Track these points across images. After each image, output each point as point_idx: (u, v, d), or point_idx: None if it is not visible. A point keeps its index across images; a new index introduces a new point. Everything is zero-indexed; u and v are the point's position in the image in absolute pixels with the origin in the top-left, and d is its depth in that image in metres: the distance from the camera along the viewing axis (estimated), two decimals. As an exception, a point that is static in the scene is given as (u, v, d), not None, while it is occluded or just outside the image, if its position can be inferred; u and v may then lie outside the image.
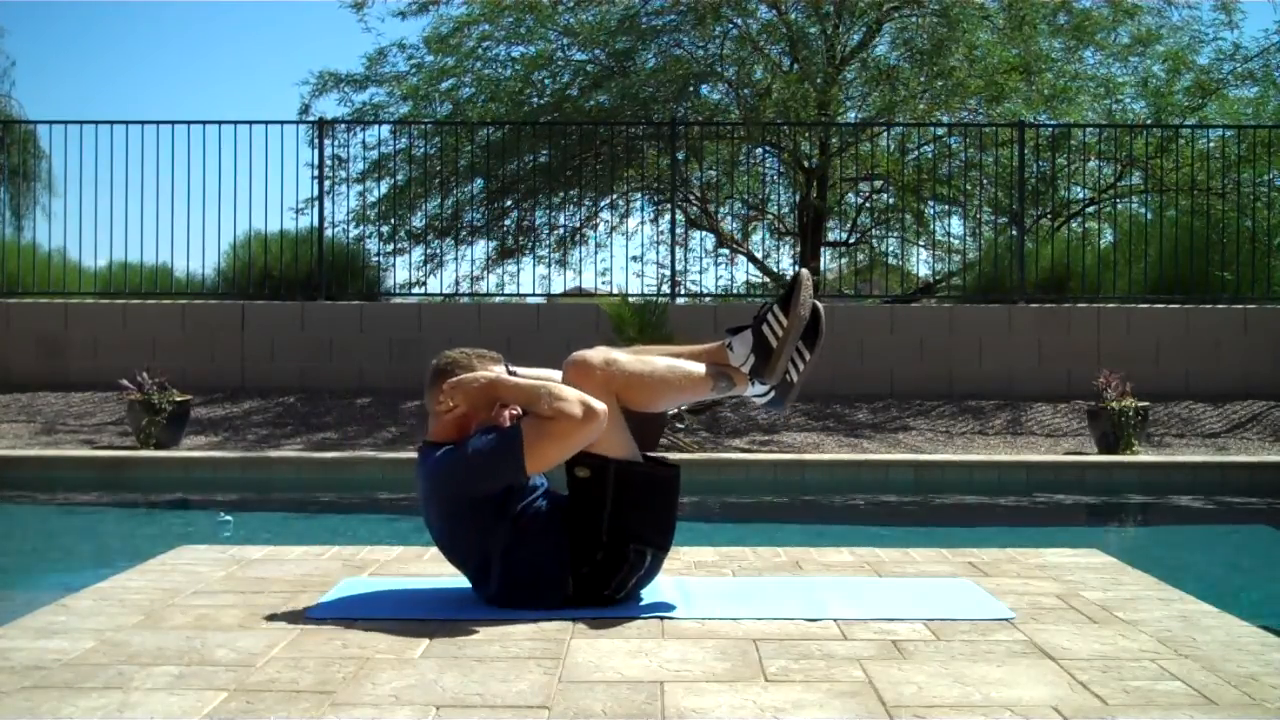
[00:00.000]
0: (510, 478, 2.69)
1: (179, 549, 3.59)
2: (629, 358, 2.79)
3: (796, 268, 12.57)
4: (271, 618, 2.70)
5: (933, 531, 6.10)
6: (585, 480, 2.74)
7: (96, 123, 10.08)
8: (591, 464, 2.73)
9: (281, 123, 10.16)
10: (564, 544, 2.74)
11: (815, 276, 11.88)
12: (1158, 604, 2.91)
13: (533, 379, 2.81)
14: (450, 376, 2.80)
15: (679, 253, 10.99)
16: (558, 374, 2.86)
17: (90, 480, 6.93)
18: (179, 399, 7.80)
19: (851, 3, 12.26)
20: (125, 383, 7.77)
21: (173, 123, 9.96)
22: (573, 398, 2.66)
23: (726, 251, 13.33)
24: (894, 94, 12.48)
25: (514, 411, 2.78)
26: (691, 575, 3.26)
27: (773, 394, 2.88)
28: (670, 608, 2.79)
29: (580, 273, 21.96)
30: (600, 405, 2.66)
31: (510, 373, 2.85)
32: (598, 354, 2.76)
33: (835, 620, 2.70)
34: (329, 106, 19.47)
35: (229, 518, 5.92)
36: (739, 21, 12.69)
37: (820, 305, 2.86)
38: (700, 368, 2.84)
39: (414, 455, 2.94)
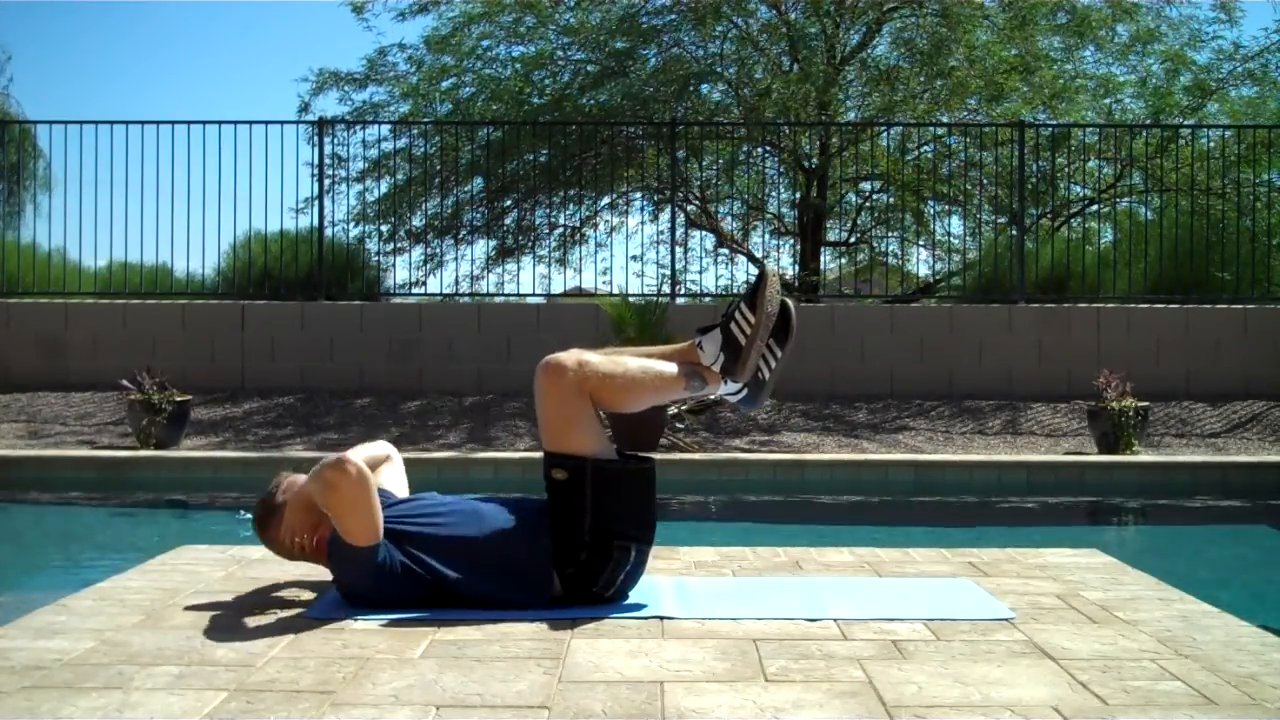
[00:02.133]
0: (369, 560, 2.67)
1: (179, 549, 3.59)
2: (601, 359, 2.80)
3: (793, 266, 12.65)
4: (271, 618, 2.70)
5: (933, 531, 6.10)
6: (563, 482, 2.75)
7: (96, 122, 10.09)
8: (568, 465, 2.74)
9: (281, 122, 10.17)
10: (545, 546, 2.75)
11: (814, 277, 11.88)
12: (1158, 604, 2.91)
13: (365, 455, 2.92)
14: (274, 516, 2.89)
15: (679, 252, 10.99)
16: (376, 448, 3.06)
17: (90, 480, 6.93)
18: (179, 399, 7.80)
19: (851, 2, 12.26)
20: (125, 383, 7.78)
21: (173, 123, 9.97)
22: (318, 471, 2.70)
23: (726, 251, 13.33)
24: (894, 94, 12.49)
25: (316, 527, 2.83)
26: (691, 575, 3.26)
27: (745, 392, 2.88)
28: (670, 608, 2.79)
29: (580, 272, 21.94)
30: (336, 456, 2.68)
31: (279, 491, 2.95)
32: (570, 356, 2.77)
33: (835, 620, 2.70)
34: (329, 105, 19.50)
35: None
36: (739, 21, 12.69)
37: (790, 301, 2.86)
38: (672, 367, 2.85)
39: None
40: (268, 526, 2.92)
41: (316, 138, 10.56)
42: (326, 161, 10.80)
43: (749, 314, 2.81)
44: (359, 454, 2.82)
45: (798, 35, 12.55)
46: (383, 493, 2.92)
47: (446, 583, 2.72)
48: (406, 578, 2.72)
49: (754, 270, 12.90)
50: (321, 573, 3.18)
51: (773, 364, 2.85)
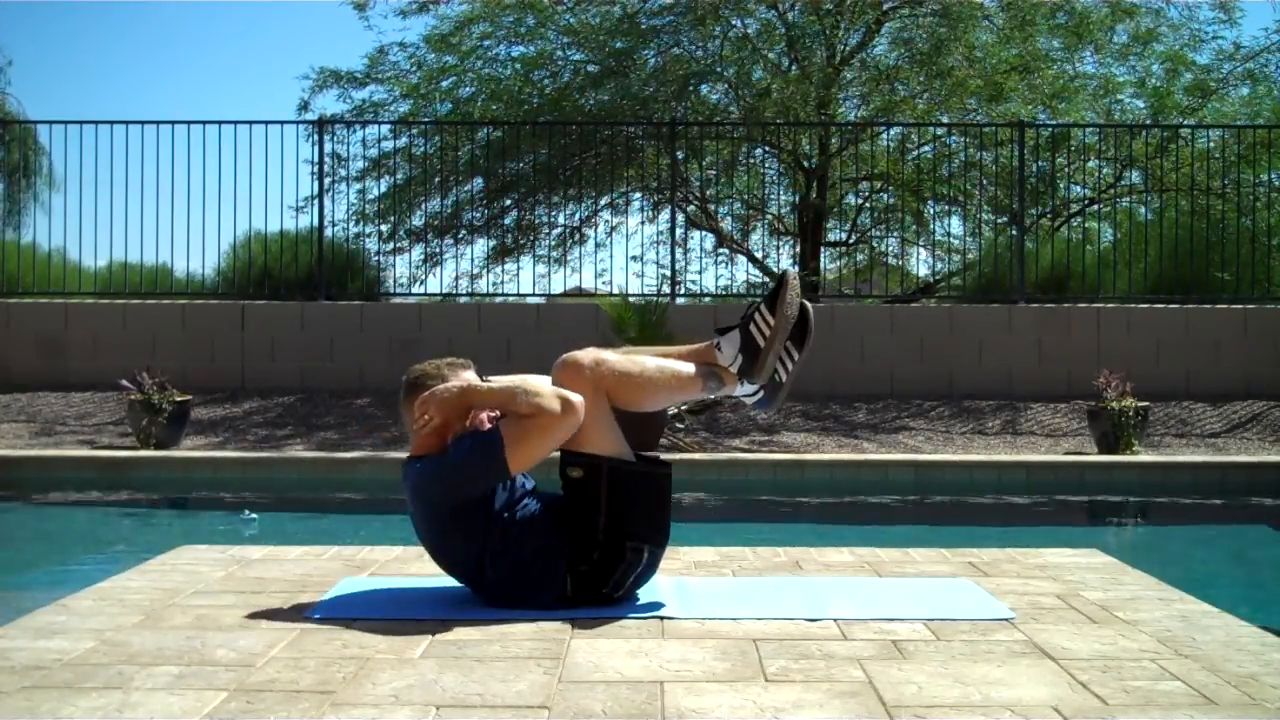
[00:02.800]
0: (494, 478, 2.70)
1: (179, 549, 3.59)
2: (618, 358, 2.80)
3: (795, 267, 12.65)
4: (271, 618, 2.70)
5: (933, 531, 6.10)
6: (579, 480, 2.75)
7: (96, 122, 10.09)
8: (584, 464, 2.74)
9: (281, 122, 10.17)
10: (561, 544, 2.75)
11: (814, 277, 11.88)
12: (1158, 604, 2.91)
13: (512, 382, 2.82)
14: (422, 390, 2.83)
15: (679, 252, 10.99)
16: (533, 378, 2.88)
17: (90, 480, 6.93)
18: (179, 399, 7.80)
19: (851, 3, 12.26)
20: (125, 383, 7.78)
21: (173, 123, 9.97)
22: (548, 392, 2.68)
23: (726, 251, 13.33)
24: (893, 94, 12.49)
25: (492, 415, 2.79)
26: (691, 575, 3.26)
27: (762, 393, 2.89)
28: (670, 607, 2.79)
29: (580, 272, 22.00)
30: (577, 397, 2.68)
31: (482, 379, 2.85)
32: (587, 354, 2.77)
33: (835, 620, 2.70)
34: (329, 103, 19.49)
35: (254, 515, 5.90)
36: (738, 22, 12.69)
37: (809, 304, 2.86)
38: (690, 368, 2.85)
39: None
40: (415, 389, 2.86)
41: (316, 137, 10.56)
42: (326, 161, 10.81)
43: (769, 316, 2.81)
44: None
45: (797, 36, 12.55)
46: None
47: (480, 578, 2.73)
48: (481, 521, 2.70)
49: (754, 270, 12.91)
50: (322, 573, 3.19)
51: (790, 366, 2.85)
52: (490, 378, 2.88)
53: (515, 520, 2.75)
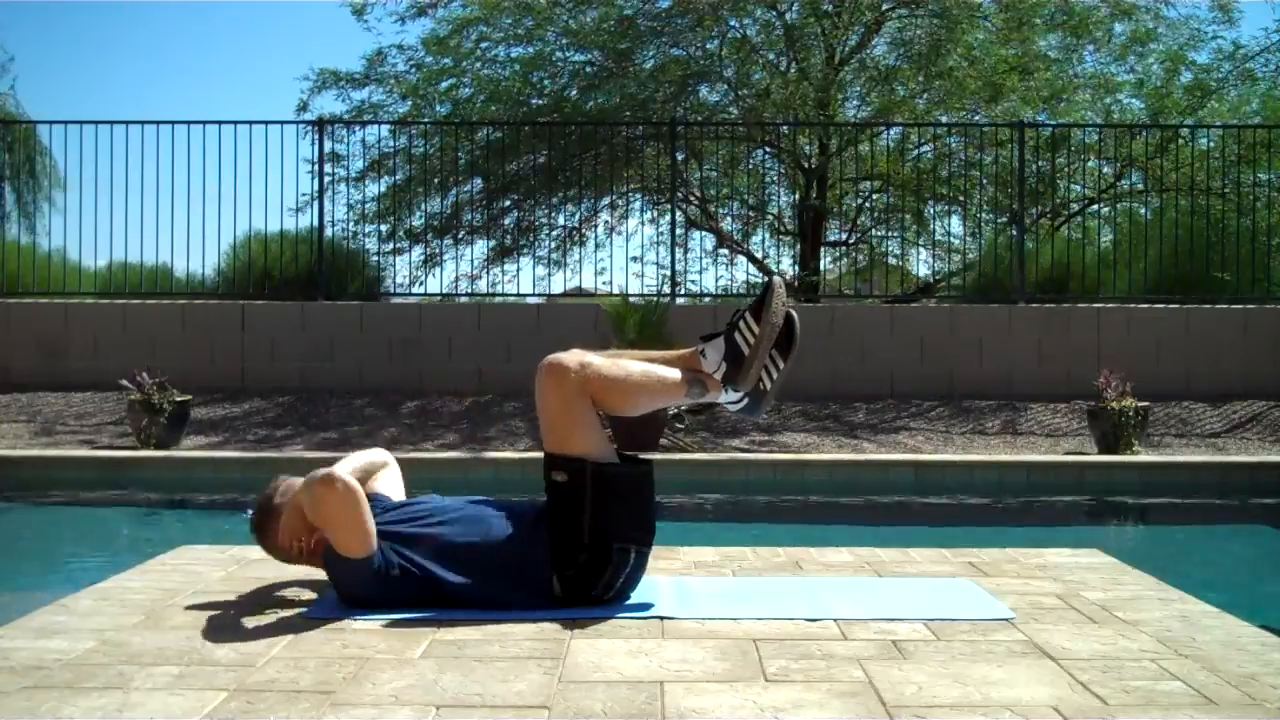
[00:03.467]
0: (366, 571, 2.68)
1: (179, 549, 3.59)
2: (603, 361, 2.80)
3: (795, 267, 12.65)
4: (271, 618, 2.70)
5: (933, 531, 6.10)
6: (563, 484, 2.74)
7: (97, 123, 10.09)
8: (568, 467, 2.74)
9: (281, 123, 10.17)
10: (543, 551, 2.75)
11: (814, 277, 11.87)
12: (1158, 604, 2.91)
13: (356, 466, 2.88)
14: (274, 524, 2.88)
15: (679, 253, 10.99)
16: (371, 455, 3.02)
17: (90, 480, 6.93)
18: (179, 399, 7.80)
19: (850, 3, 12.26)
20: (125, 383, 7.77)
21: (173, 123, 9.97)
22: (302, 489, 2.72)
23: (726, 252, 13.33)
24: (892, 94, 12.49)
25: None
26: (691, 575, 3.26)
27: (746, 401, 2.88)
28: (670, 607, 2.79)
29: (580, 273, 21.98)
30: (322, 472, 2.68)
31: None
32: (572, 357, 2.77)
33: (835, 620, 2.70)
34: (328, 104, 19.51)
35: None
36: (736, 23, 12.70)
37: (794, 313, 2.85)
38: (674, 373, 2.85)
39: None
40: (265, 531, 2.92)
41: (316, 137, 10.56)
42: (325, 161, 10.81)
43: (753, 324, 2.80)
44: (349, 465, 2.83)
45: (795, 37, 12.55)
46: (379, 497, 2.91)
47: (444, 587, 2.72)
48: (405, 581, 2.72)
49: (754, 270, 12.92)
50: (321, 574, 3.18)
51: (774, 374, 2.84)
52: (292, 481, 2.92)
53: (460, 544, 2.75)
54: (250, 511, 3.00)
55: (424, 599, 2.73)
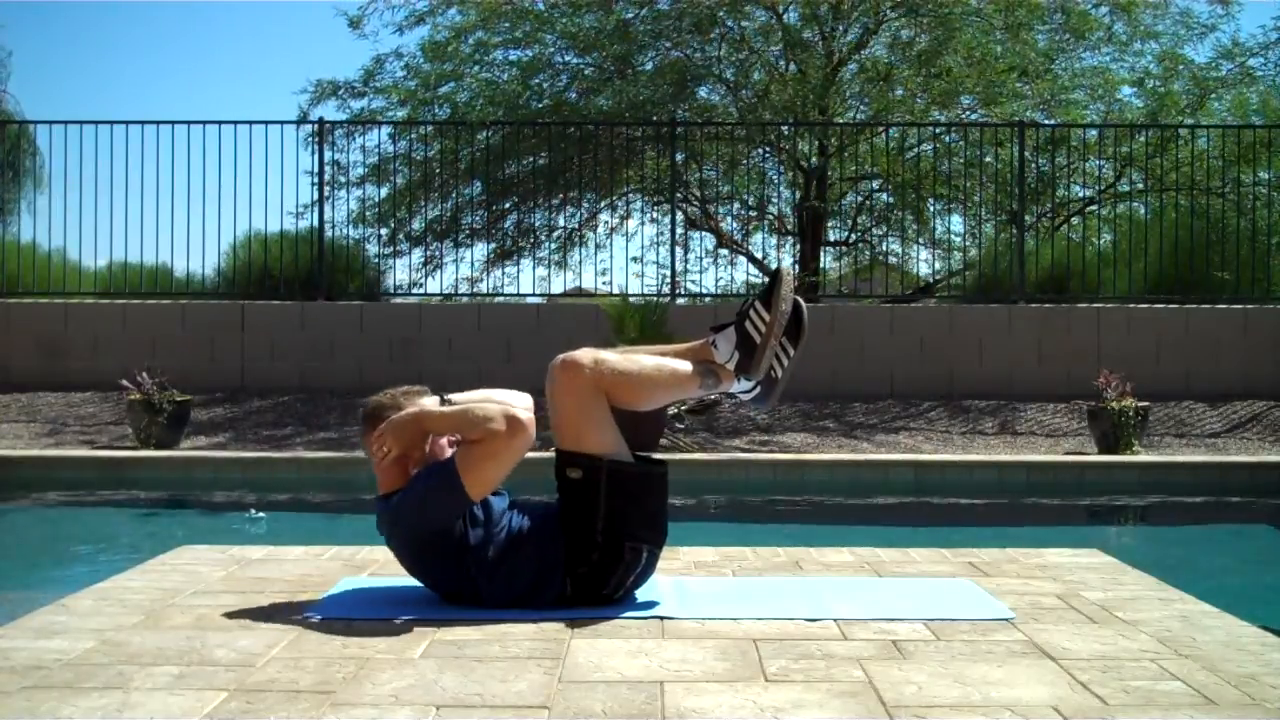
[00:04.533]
0: (458, 508, 2.68)
1: (179, 549, 3.59)
2: (616, 357, 2.80)
3: (795, 267, 12.64)
4: (271, 618, 2.70)
5: (933, 531, 6.09)
6: (577, 481, 2.74)
7: (96, 123, 10.09)
8: (583, 465, 2.73)
9: (281, 123, 10.18)
10: (557, 550, 2.74)
11: (814, 277, 11.85)
12: (1158, 604, 2.91)
13: (468, 402, 2.81)
14: (379, 421, 2.80)
15: (679, 253, 10.99)
16: (497, 394, 2.89)
17: (90, 480, 6.92)
18: (179, 399, 7.80)
19: (848, 5, 12.26)
20: (125, 383, 7.77)
21: (173, 123, 9.97)
22: (496, 414, 2.67)
23: (726, 252, 13.33)
24: (891, 94, 12.49)
25: (452, 439, 2.78)
26: (691, 575, 3.26)
27: (759, 390, 2.89)
28: (670, 607, 2.79)
29: (580, 273, 21.96)
30: (525, 414, 2.66)
31: (444, 401, 2.83)
32: (586, 354, 2.77)
33: (835, 620, 2.70)
34: (327, 113, 19.45)
35: (261, 515, 5.88)
36: (735, 24, 12.70)
37: (802, 301, 2.87)
38: (687, 365, 2.86)
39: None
40: (374, 420, 2.83)
41: (316, 139, 10.56)
42: (326, 166, 10.80)
43: (764, 312, 2.82)
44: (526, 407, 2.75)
45: (794, 38, 12.55)
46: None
47: (477, 587, 2.72)
48: (458, 553, 2.69)
49: (754, 270, 12.92)
50: (321, 573, 3.19)
51: (785, 362, 2.86)
52: (451, 397, 2.86)
53: (497, 541, 2.74)
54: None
55: (454, 587, 2.73)
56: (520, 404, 2.76)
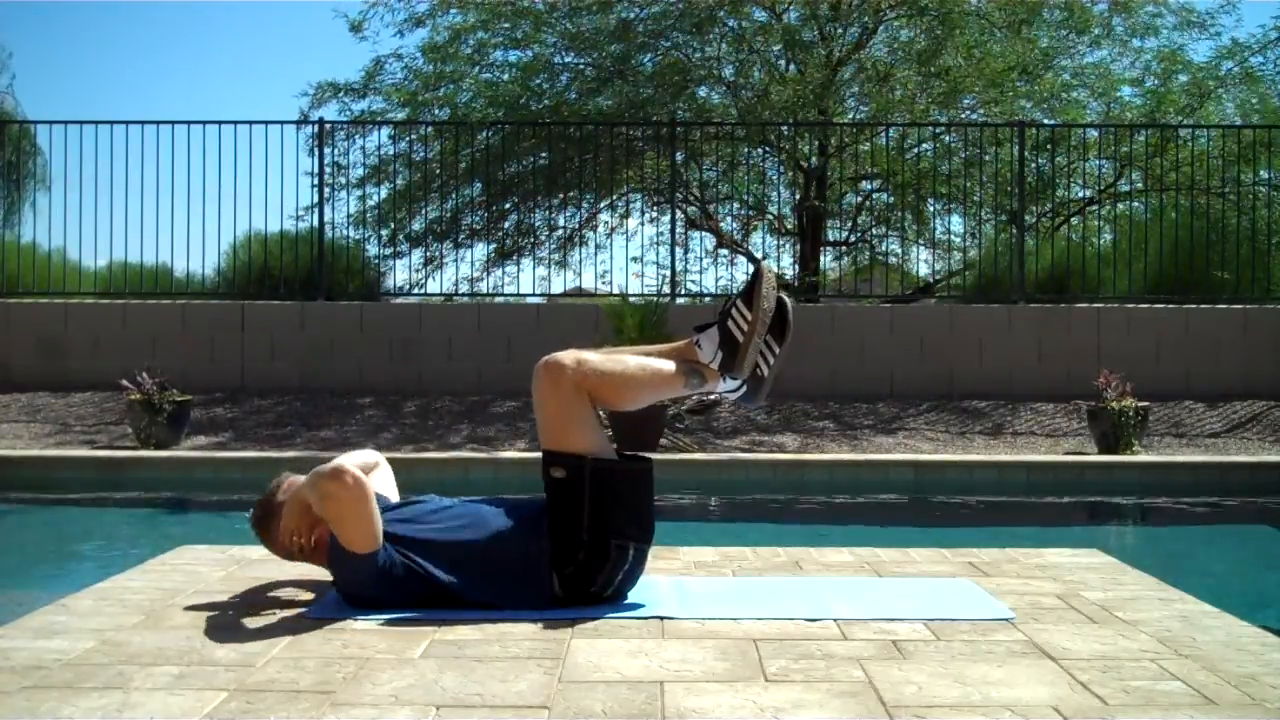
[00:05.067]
0: (370, 563, 2.67)
1: (179, 549, 3.59)
2: (599, 357, 2.80)
3: (795, 267, 12.65)
4: (271, 618, 2.70)
5: (933, 531, 6.10)
6: (561, 481, 2.74)
7: (96, 123, 10.09)
8: (566, 464, 2.74)
9: (282, 123, 10.18)
10: (543, 549, 2.75)
11: (814, 277, 11.84)
12: (1158, 604, 2.91)
13: (358, 462, 2.86)
14: (274, 520, 2.88)
15: (678, 253, 10.99)
16: (365, 455, 2.99)
17: (90, 480, 6.93)
18: (179, 399, 7.80)
19: (848, 4, 12.26)
20: (125, 383, 7.77)
21: (173, 123, 9.97)
22: (306, 484, 2.71)
23: (726, 252, 13.33)
24: (891, 94, 12.49)
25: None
26: (691, 575, 3.26)
27: (745, 388, 2.89)
28: (670, 608, 2.79)
29: (580, 273, 21.98)
30: (331, 465, 2.67)
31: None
32: (568, 355, 2.77)
33: (835, 620, 2.70)
34: (328, 115, 19.44)
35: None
36: (734, 24, 12.70)
37: (787, 298, 2.86)
38: (671, 365, 2.85)
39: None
40: (267, 527, 2.92)
41: (317, 139, 10.56)
42: (326, 167, 10.80)
43: (745, 311, 2.82)
44: (351, 460, 2.81)
45: (793, 38, 12.55)
46: (379, 497, 2.91)
47: (446, 588, 2.72)
48: (408, 580, 2.72)
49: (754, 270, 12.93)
50: (321, 573, 3.18)
51: (771, 360, 2.85)
52: (295, 478, 2.92)
53: (444, 541, 2.75)
54: (249, 519, 3.00)
55: (426, 599, 2.73)
56: (348, 459, 2.79)
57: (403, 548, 2.73)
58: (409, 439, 8.03)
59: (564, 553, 2.74)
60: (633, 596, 2.85)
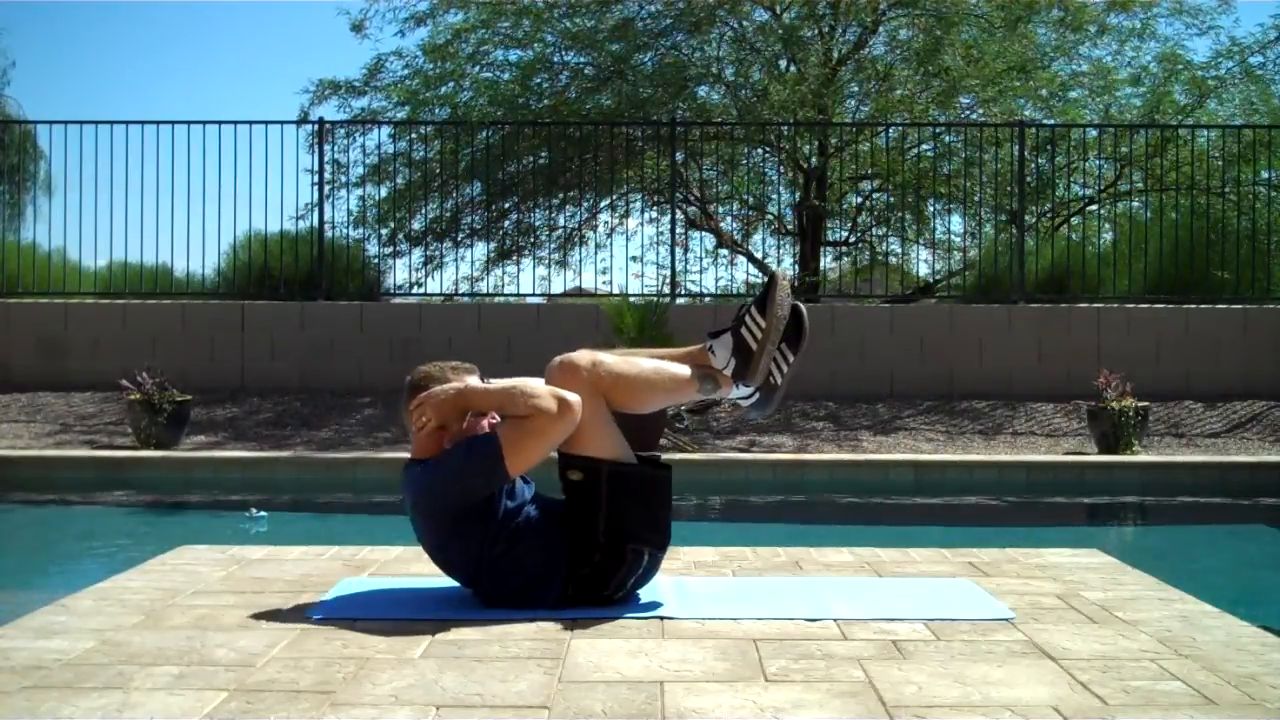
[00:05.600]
0: (494, 482, 2.69)
1: (179, 549, 3.59)
2: (615, 359, 2.80)
3: (795, 267, 12.65)
4: (271, 618, 2.70)
5: (933, 531, 6.10)
6: (579, 483, 2.74)
7: (96, 123, 10.08)
8: (584, 466, 2.73)
9: (282, 123, 10.17)
10: (561, 548, 2.74)
11: (814, 277, 11.82)
12: (1158, 604, 2.91)
13: (504, 384, 2.81)
14: (423, 391, 2.82)
15: (679, 253, 10.98)
16: (532, 380, 2.87)
17: (90, 480, 6.93)
18: (179, 399, 7.80)
19: (847, 4, 12.26)
20: (125, 383, 7.77)
21: (173, 123, 9.97)
22: (545, 393, 2.68)
23: (726, 252, 13.33)
24: (891, 94, 12.49)
25: (491, 419, 2.78)
26: (691, 575, 3.26)
27: (758, 396, 2.87)
28: (670, 608, 2.79)
29: (580, 273, 21.96)
30: (574, 397, 2.67)
31: (484, 381, 2.85)
32: (584, 356, 2.77)
33: (835, 620, 2.70)
34: (328, 113, 19.43)
35: (264, 513, 5.88)
36: (734, 24, 12.70)
37: (802, 305, 2.84)
38: (685, 370, 2.84)
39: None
40: (416, 390, 2.85)
41: (317, 139, 10.56)
42: (326, 166, 10.80)
43: (759, 318, 2.79)
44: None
45: (792, 38, 12.55)
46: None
47: (480, 579, 2.73)
48: (480, 528, 2.69)
49: (754, 270, 12.93)
50: (321, 573, 3.19)
51: (785, 368, 2.83)
52: (491, 380, 2.88)
53: (516, 526, 2.74)
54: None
55: (463, 567, 2.75)
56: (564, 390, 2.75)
57: (511, 515, 2.72)
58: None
59: (580, 555, 2.74)
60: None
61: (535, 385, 2.74)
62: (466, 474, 2.69)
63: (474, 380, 2.85)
